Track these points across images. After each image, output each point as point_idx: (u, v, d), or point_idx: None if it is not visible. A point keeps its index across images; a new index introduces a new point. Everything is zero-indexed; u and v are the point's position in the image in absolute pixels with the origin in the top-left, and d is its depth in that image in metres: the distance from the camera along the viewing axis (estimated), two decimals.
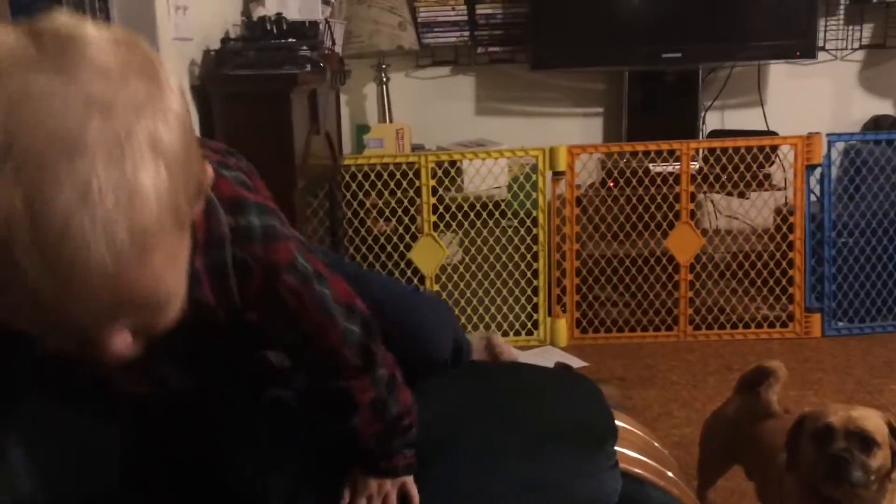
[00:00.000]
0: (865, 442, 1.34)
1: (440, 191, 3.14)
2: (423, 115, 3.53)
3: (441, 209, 3.12)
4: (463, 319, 3.20)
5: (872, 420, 1.36)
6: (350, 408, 0.89)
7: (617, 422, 1.14)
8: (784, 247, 3.13)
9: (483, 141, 3.42)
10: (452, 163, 3.15)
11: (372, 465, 0.97)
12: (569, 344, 3.17)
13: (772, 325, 3.16)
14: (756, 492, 1.74)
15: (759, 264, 3.16)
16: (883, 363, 2.85)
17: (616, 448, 1.08)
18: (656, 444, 1.23)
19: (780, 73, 3.50)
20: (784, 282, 3.14)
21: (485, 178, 3.17)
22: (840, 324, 3.15)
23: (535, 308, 3.18)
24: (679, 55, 3.23)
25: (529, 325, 3.20)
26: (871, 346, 3.02)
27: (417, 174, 3.08)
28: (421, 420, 0.98)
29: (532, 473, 1.00)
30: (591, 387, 1.20)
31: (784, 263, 3.13)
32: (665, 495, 1.07)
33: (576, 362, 2.97)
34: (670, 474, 1.14)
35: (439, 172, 3.10)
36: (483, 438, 1.06)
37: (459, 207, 3.14)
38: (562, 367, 2.77)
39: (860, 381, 2.70)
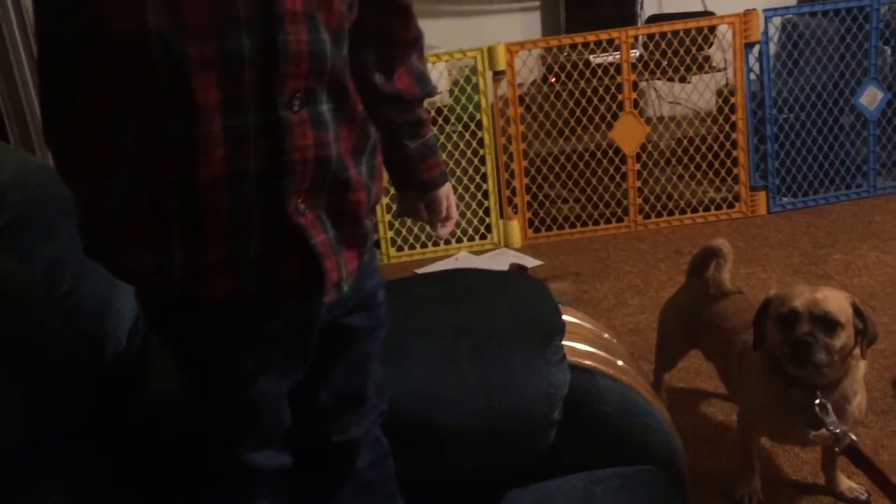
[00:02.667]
0: (829, 324, 1.37)
1: None
2: None
3: None
4: (416, 230, 3.20)
5: (835, 301, 1.39)
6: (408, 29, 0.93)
7: (565, 316, 1.16)
8: (727, 128, 3.14)
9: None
10: None
11: (438, 165, 1.02)
12: (523, 244, 3.20)
13: (719, 207, 3.21)
14: (717, 372, 1.80)
15: (703, 148, 3.18)
16: (826, 234, 2.93)
17: (564, 342, 1.09)
18: (606, 335, 1.25)
19: None
20: (729, 163, 3.18)
21: None
22: (784, 199, 3.21)
23: (487, 212, 3.18)
24: None
25: (482, 229, 3.21)
26: (815, 218, 3.10)
27: None
28: None
29: (481, 375, 1.02)
30: (536, 285, 1.21)
31: (728, 145, 3.16)
32: (614, 383, 1.10)
33: (530, 262, 3.00)
34: (620, 363, 1.16)
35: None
36: (432, 346, 1.07)
37: None
38: (516, 268, 2.81)
39: (805, 254, 2.78)
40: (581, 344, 1.14)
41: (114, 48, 0.71)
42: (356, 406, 0.95)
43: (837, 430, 1.39)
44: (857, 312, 1.41)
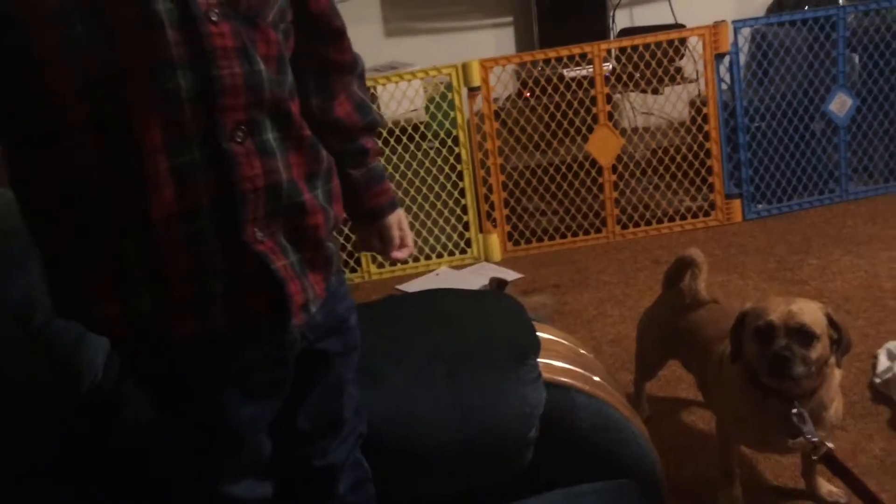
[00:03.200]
0: (805, 336, 1.39)
1: None
2: None
3: None
4: None
5: (810, 313, 1.40)
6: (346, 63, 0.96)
7: (541, 334, 1.17)
8: (700, 138, 3.18)
9: (395, 63, 3.35)
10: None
11: (386, 191, 1.04)
12: (503, 258, 3.21)
13: (695, 216, 3.24)
14: (696, 381, 1.81)
15: (678, 158, 3.22)
16: (800, 239, 2.97)
17: (540, 360, 1.10)
18: (582, 351, 1.26)
19: None
20: (703, 172, 3.21)
21: (400, 101, 3.12)
22: (759, 206, 3.25)
23: (466, 226, 3.20)
24: None
25: (462, 243, 3.22)
26: (790, 224, 3.14)
27: None
28: None
29: (456, 397, 1.03)
30: (511, 304, 1.22)
31: (702, 154, 3.19)
32: (590, 399, 1.11)
33: (510, 275, 3.01)
34: (597, 378, 1.18)
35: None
36: (407, 369, 1.08)
37: (378, 135, 3.09)
38: (496, 282, 2.82)
39: (781, 260, 2.81)
40: (557, 361, 1.15)
41: (60, 102, 0.72)
42: (334, 430, 0.96)
43: (815, 439, 1.40)
44: (832, 323, 1.43)
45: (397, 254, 1.09)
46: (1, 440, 0.89)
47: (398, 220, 1.08)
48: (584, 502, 1.09)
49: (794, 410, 1.41)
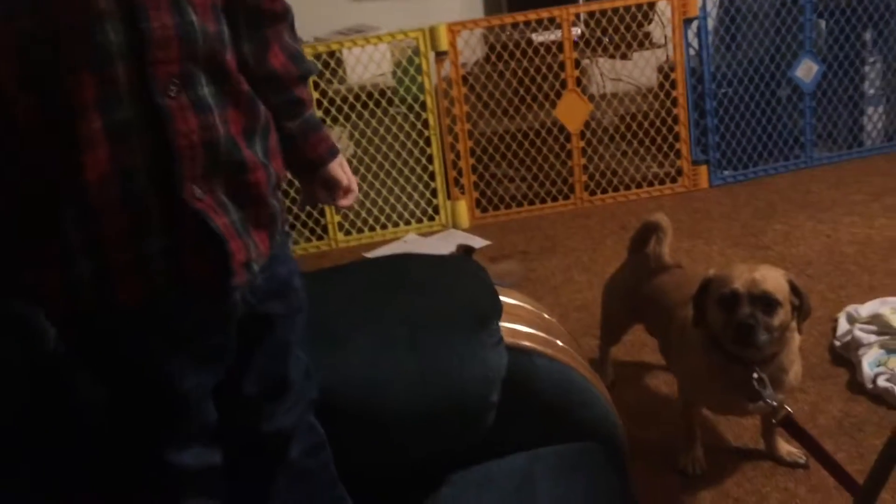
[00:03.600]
0: (768, 304, 1.40)
1: (322, 84, 3.03)
2: (294, 3, 3.35)
3: (325, 103, 3.03)
4: (363, 214, 3.18)
5: (773, 280, 1.42)
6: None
7: (504, 298, 1.16)
8: (668, 104, 3.18)
9: (362, 27, 3.29)
10: (331, 53, 3.04)
11: (324, 140, 1.01)
12: (471, 225, 3.21)
13: (662, 182, 3.25)
14: (659, 347, 1.83)
15: (646, 124, 3.22)
16: (765, 205, 3.00)
17: (503, 324, 1.10)
18: (546, 316, 1.26)
19: None
20: (671, 138, 3.22)
21: (367, 66, 3.07)
22: (725, 172, 3.27)
23: (434, 193, 3.18)
24: None
25: (430, 210, 3.20)
26: (755, 190, 3.16)
27: None
28: (311, 319, 0.97)
29: (418, 361, 1.02)
30: (474, 268, 1.21)
31: (669, 120, 3.20)
32: (552, 363, 1.11)
33: (478, 242, 3.01)
34: (560, 343, 1.18)
35: (318, 65, 2.99)
36: (370, 333, 1.07)
37: (344, 99, 3.05)
38: (463, 249, 2.81)
39: (745, 225, 2.84)
40: (520, 325, 1.15)
41: None
42: (281, 394, 0.94)
43: (774, 403, 1.42)
44: (794, 289, 1.44)
45: (344, 201, 1.08)
46: None
47: (340, 165, 1.06)
48: (547, 465, 1.09)
49: (755, 375, 1.43)
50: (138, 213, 0.75)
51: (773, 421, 1.45)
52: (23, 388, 0.91)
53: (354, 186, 1.08)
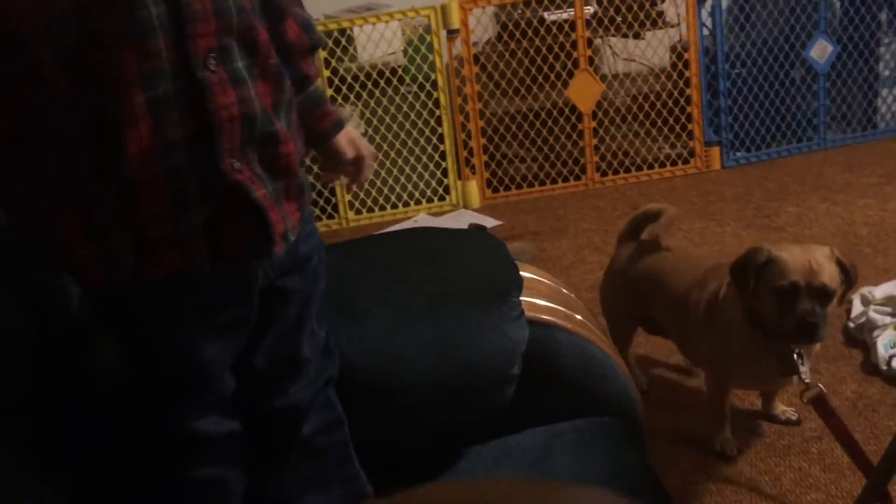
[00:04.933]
0: (826, 295, 1.38)
1: (332, 62, 3.01)
2: None
3: (336, 81, 3.01)
4: (374, 193, 3.17)
5: (829, 270, 1.39)
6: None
7: (523, 273, 1.16)
8: (681, 84, 3.16)
9: (372, 4, 3.27)
10: (342, 31, 3.01)
11: (328, 114, 1.02)
12: (481, 205, 3.19)
13: (674, 163, 3.23)
14: (671, 335, 1.76)
15: (658, 104, 3.19)
16: (778, 187, 2.98)
17: (522, 298, 1.09)
18: (564, 291, 1.25)
19: None
20: (683, 119, 3.20)
21: (378, 44, 3.05)
22: (738, 154, 3.25)
23: (445, 173, 3.17)
24: None
25: (441, 190, 3.19)
26: (768, 171, 3.14)
27: None
28: (329, 292, 0.97)
29: (438, 334, 1.02)
30: (493, 242, 1.20)
31: (682, 101, 3.17)
32: (572, 336, 1.10)
33: (489, 222, 3.00)
34: (579, 317, 1.17)
35: (330, 43, 2.97)
36: (389, 306, 1.06)
37: (356, 78, 3.03)
38: (475, 228, 2.80)
39: (758, 207, 2.82)
40: (539, 299, 1.14)
41: (24, 39, 0.70)
42: (294, 369, 0.94)
43: (808, 380, 1.41)
44: (842, 268, 1.41)
45: (362, 174, 1.08)
46: None
47: (348, 138, 1.06)
48: (565, 440, 1.09)
49: (797, 350, 1.42)
50: (178, 187, 0.75)
51: (804, 399, 1.42)
52: (40, 352, 0.91)
53: (368, 160, 1.08)
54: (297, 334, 0.93)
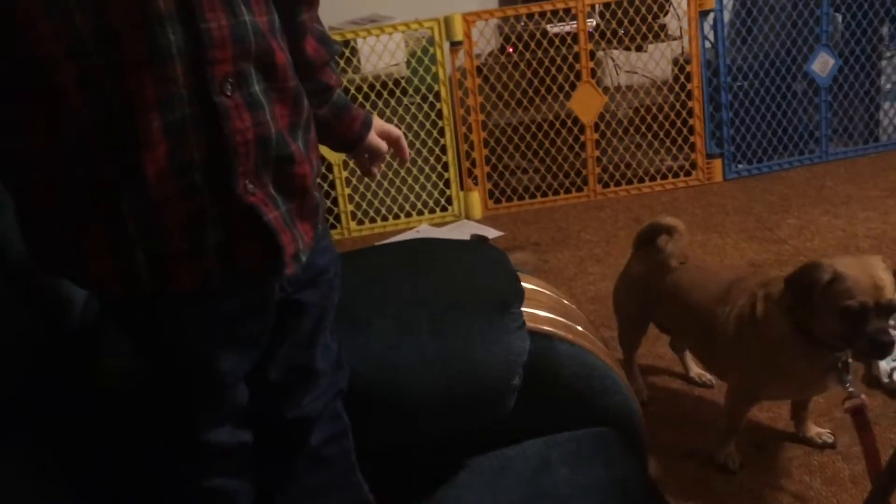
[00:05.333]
0: (892, 311, 1.36)
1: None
2: None
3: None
4: (376, 204, 3.18)
5: (889, 284, 1.35)
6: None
7: (525, 284, 1.16)
8: (683, 96, 3.17)
9: (376, 16, 3.29)
10: (346, 42, 3.03)
11: (357, 117, 1.05)
12: (483, 215, 3.20)
13: (676, 175, 3.24)
14: (691, 349, 1.77)
15: (660, 116, 3.21)
16: (780, 199, 2.98)
17: (524, 309, 1.10)
18: (565, 302, 1.26)
19: None
20: (685, 131, 3.21)
21: (381, 55, 3.07)
22: (740, 166, 3.26)
23: (447, 184, 3.18)
24: None
25: (443, 201, 3.20)
26: (769, 184, 3.15)
27: None
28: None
29: (440, 345, 1.02)
30: (495, 254, 1.21)
31: (684, 113, 3.18)
32: (573, 347, 1.11)
33: (491, 233, 3.00)
34: (579, 328, 1.17)
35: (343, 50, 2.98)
36: (391, 316, 1.07)
37: (359, 89, 3.05)
38: (477, 239, 2.81)
39: (760, 219, 2.83)
40: (540, 310, 1.15)
41: (49, 62, 0.71)
42: (307, 382, 0.95)
43: (852, 389, 1.39)
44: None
45: (401, 156, 1.12)
46: None
47: (380, 131, 1.09)
48: (564, 451, 1.09)
49: (844, 359, 1.41)
50: (194, 207, 0.77)
51: (845, 408, 1.40)
52: (33, 361, 0.92)
53: (402, 139, 1.11)
54: (311, 347, 0.94)
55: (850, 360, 1.41)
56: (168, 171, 0.74)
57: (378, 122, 1.09)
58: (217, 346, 0.84)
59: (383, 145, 1.09)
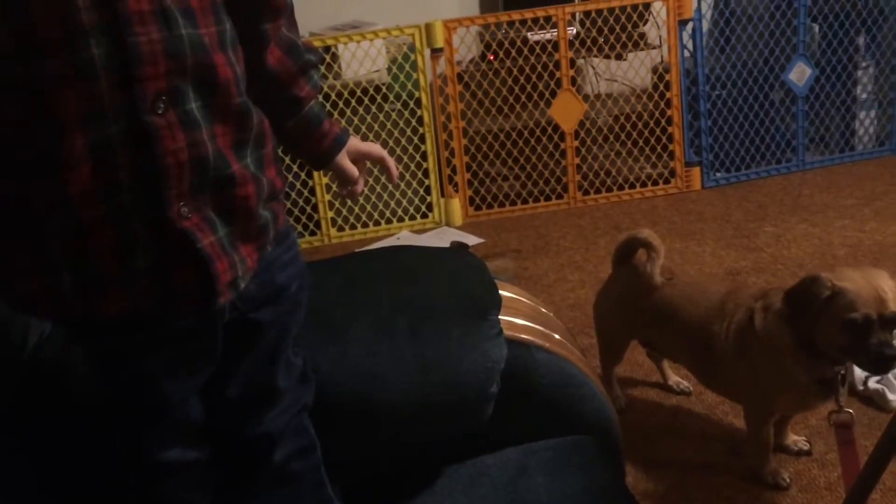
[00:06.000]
0: (894, 323, 1.35)
1: None
2: None
3: (321, 99, 3.01)
4: (356, 210, 3.17)
5: (893, 295, 1.34)
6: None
7: (503, 292, 1.16)
8: (662, 105, 3.19)
9: (357, 23, 3.28)
10: (327, 49, 3.03)
11: (327, 134, 1.01)
12: (464, 222, 3.20)
13: (655, 183, 3.26)
14: (686, 366, 1.74)
15: (640, 125, 3.23)
16: (757, 207, 3.01)
17: (501, 317, 1.10)
18: (543, 310, 1.26)
19: None
20: (664, 139, 3.23)
21: (362, 62, 3.07)
22: (718, 174, 3.28)
23: (428, 190, 3.18)
24: None
25: (423, 207, 3.20)
26: (747, 192, 3.18)
27: None
28: (311, 307, 0.97)
29: (417, 352, 1.02)
30: (473, 261, 1.21)
31: (663, 121, 3.21)
32: (550, 356, 1.11)
33: (471, 240, 3.01)
34: (557, 336, 1.18)
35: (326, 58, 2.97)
36: (369, 323, 1.06)
37: (339, 95, 3.04)
38: (457, 245, 2.81)
39: (738, 227, 2.85)
40: (518, 318, 1.15)
41: None
42: (268, 400, 0.93)
43: (843, 402, 1.40)
44: None
45: (391, 174, 1.08)
46: None
47: (355, 152, 1.05)
48: (542, 458, 1.09)
49: (842, 371, 1.41)
50: (122, 230, 0.73)
51: (831, 421, 1.41)
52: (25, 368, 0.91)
53: (388, 160, 1.08)
54: (272, 364, 0.92)
55: (845, 372, 1.41)
56: (93, 192, 0.70)
57: (356, 144, 1.04)
58: (158, 369, 0.81)
59: (352, 170, 1.04)
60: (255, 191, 0.81)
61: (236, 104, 0.79)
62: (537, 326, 1.17)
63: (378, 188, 3.15)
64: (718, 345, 1.57)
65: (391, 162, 1.09)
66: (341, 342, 1.05)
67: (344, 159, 1.04)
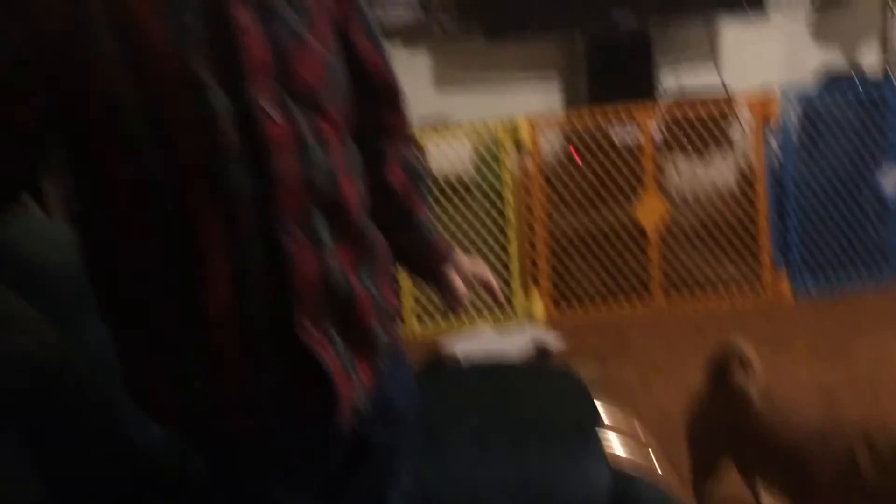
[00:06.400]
0: None
1: None
2: None
3: None
4: (438, 303, 3.18)
5: None
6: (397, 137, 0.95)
7: (602, 410, 1.15)
8: (748, 207, 3.14)
9: (443, 116, 3.35)
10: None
11: (438, 248, 1.01)
12: (544, 320, 3.17)
13: (740, 287, 3.18)
14: (784, 492, 1.64)
15: (725, 228, 3.18)
16: (851, 322, 2.88)
17: (607, 447, 1.08)
18: (642, 437, 1.23)
19: (732, 28, 3.43)
20: (750, 244, 3.17)
21: (447, 155, 3.13)
22: (808, 283, 3.17)
23: (509, 286, 3.17)
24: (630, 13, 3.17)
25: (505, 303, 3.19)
26: (839, 303, 3.05)
27: None
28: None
29: (518, 466, 1.01)
30: (573, 379, 1.20)
31: (748, 225, 3.15)
32: (656, 490, 1.08)
33: (552, 342, 2.96)
34: (658, 468, 1.15)
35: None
36: (471, 435, 1.06)
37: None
38: (541, 351, 2.77)
39: (831, 342, 2.72)
40: (621, 448, 1.12)
41: (120, 195, 0.73)
42: None
43: None
44: None
45: (495, 293, 1.08)
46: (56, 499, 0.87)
47: (467, 273, 1.06)
48: None
49: None
50: (253, 348, 0.76)
51: None
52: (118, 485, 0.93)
53: (491, 283, 1.07)
54: (382, 485, 0.92)
55: None
56: (231, 312, 0.73)
57: (466, 264, 1.06)
58: (272, 481, 0.82)
59: (461, 289, 1.05)
60: (373, 309, 0.84)
61: (359, 225, 0.83)
62: (640, 457, 1.14)
63: None
64: (817, 477, 1.51)
65: (495, 287, 1.10)
66: (441, 457, 1.04)
67: (452, 274, 1.05)
